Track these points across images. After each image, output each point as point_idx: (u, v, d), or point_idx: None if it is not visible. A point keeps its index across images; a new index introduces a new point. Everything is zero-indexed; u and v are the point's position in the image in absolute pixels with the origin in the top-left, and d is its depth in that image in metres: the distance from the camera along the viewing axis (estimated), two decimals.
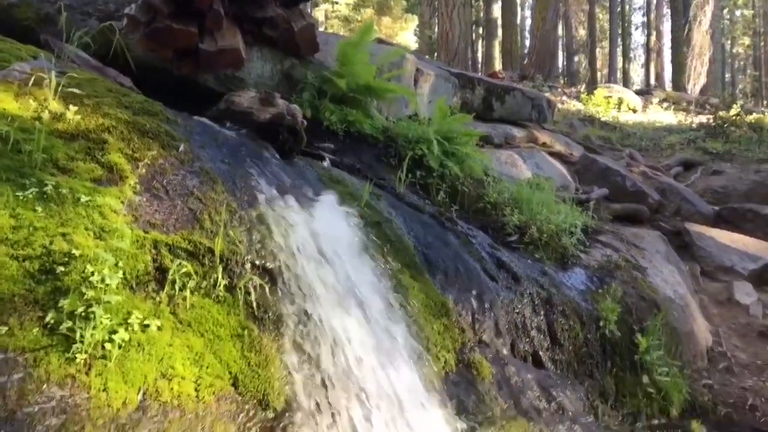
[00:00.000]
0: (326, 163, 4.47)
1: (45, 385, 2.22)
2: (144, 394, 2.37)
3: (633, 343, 4.35)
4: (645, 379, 4.26)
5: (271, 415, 2.59)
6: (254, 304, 2.84)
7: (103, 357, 2.37)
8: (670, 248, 6.70)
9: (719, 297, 7.10)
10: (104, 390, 2.30)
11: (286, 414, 2.61)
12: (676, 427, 4.13)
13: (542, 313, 4.03)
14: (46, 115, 3.04)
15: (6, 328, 2.30)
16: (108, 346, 2.38)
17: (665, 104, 20.23)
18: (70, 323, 2.37)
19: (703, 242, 7.93)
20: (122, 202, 2.82)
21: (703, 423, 4.17)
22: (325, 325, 2.90)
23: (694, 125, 15.90)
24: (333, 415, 2.67)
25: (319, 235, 3.18)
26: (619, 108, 18.02)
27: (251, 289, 2.85)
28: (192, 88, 4.97)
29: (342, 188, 3.93)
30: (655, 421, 4.20)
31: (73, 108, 3.11)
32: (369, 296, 3.13)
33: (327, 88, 5.50)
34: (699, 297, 6.72)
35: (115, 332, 2.41)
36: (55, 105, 3.14)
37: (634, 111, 18.78)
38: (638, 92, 22.11)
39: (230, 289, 2.83)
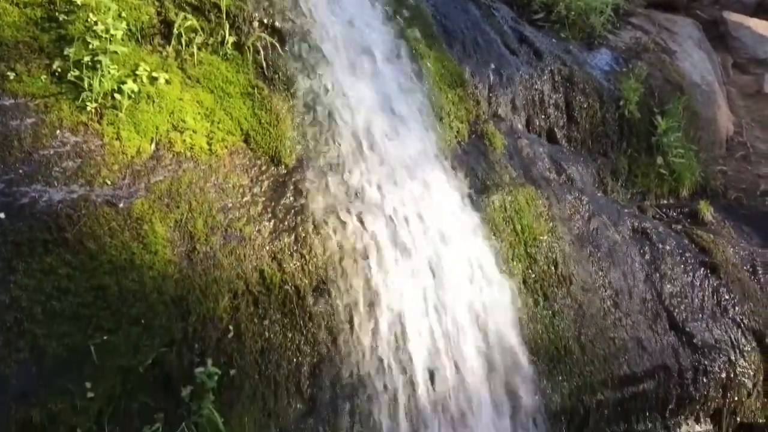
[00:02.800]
0: None
1: (58, 131, 2.26)
2: (157, 144, 2.41)
3: (652, 125, 4.28)
4: (659, 160, 4.26)
5: (283, 170, 2.64)
6: (264, 64, 2.77)
7: (114, 107, 2.37)
8: (704, 36, 6.34)
9: (748, 89, 6.85)
10: (117, 138, 2.34)
11: (298, 170, 2.66)
12: (684, 206, 4.21)
13: (561, 90, 3.93)
14: None
15: (14, 74, 2.29)
16: (118, 96, 2.37)
17: None
18: (77, 72, 2.34)
19: (739, 32, 7.48)
20: None
21: (711, 204, 4.23)
22: (337, 88, 2.85)
23: None
24: (342, 174, 2.72)
25: None
26: None
27: (260, 48, 2.77)
28: None
29: None
30: (664, 201, 4.28)
31: None
32: (382, 61, 3.03)
33: None
34: (727, 88, 6.49)
35: (123, 83, 2.39)
36: None
37: None
38: None
39: (238, 47, 2.75)
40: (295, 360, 2.42)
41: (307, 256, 2.52)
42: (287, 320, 2.45)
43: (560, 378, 2.95)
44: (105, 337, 1.98)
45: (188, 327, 2.18)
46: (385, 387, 2.50)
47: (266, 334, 2.39)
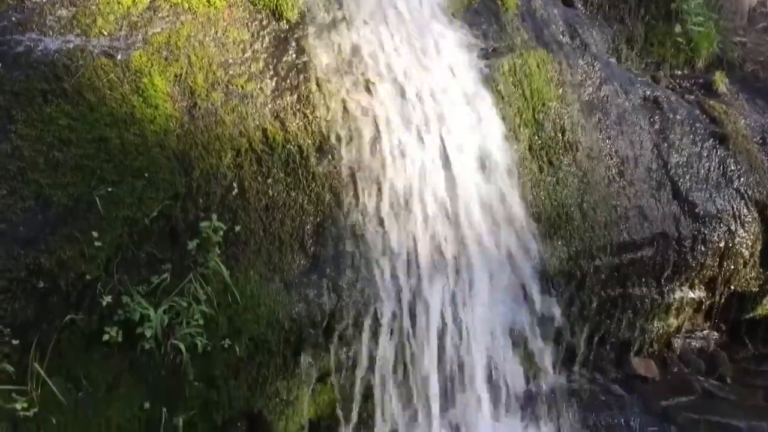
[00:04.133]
0: None
1: None
2: None
3: None
4: (677, 28, 4.08)
5: (284, 26, 2.55)
6: None
7: None
8: None
9: None
10: None
11: (300, 26, 2.56)
12: (699, 77, 4.09)
13: None
14: None
15: None
16: None
17: None
18: None
19: None
20: None
21: (726, 76, 4.11)
22: None
23: None
24: (347, 32, 2.62)
25: None
26: None
27: None
28: None
29: None
30: (678, 72, 4.15)
31: None
32: None
33: None
34: None
35: None
36: None
37: None
38: None
39: None
40: (298, 218, 2.45)
41: (310, 116, 2.48)
42: (290, 179, 2.45)
43: (560, 243, 3.00)
44: (109, 189, 1.99)
45: (192, 182, 2.18)
46: (387, 245, 2.55)
47: (270, 192, 2.40)
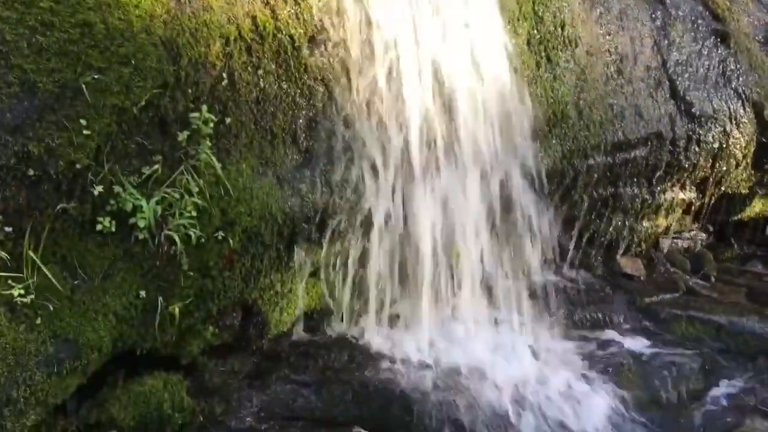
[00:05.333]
0: None
1: None
2: None
3: None
4: None
5: None
6: None
7: None
8: None
9: None
10: None
11: None
12: None
13: None
14: None
15: None
16: None
17: None
18: None
19: None
20: None
21: None
22: None
23: None
24: None
25: None
26: None
27: None
28: None
29: None
30: None
31: None
32: None
33: None
34: None
35: None
36: None
37: None
38: None
39: None
40: (291, 112, 2.41)
41: (301, 4, 2.39)
42: (282, 71, 2.39)
43: (554, 141, 2.99)
44: (96, 76, 1.92)
45: (180, 71, 2.12)
46: (380, 142, 2.52)
47: (261, 84, 2.35)
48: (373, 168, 2.52)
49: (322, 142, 2.47)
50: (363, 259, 2.64)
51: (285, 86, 2.40)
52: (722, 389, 2.80)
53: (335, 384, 2.50)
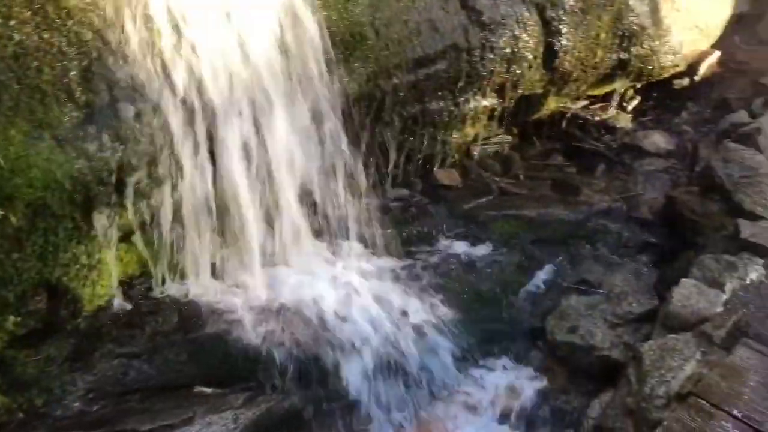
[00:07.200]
0: None
1: None
2: None
3: None
4: None
5: None
6: None
7: None
8: None
9: None
10: None
11: None
12: None
13: None
14: None
15: None
16: None
17: None
18: None
19: None
20: None
21: None
22: None
23: None
24: None
25: None
26: None
27: None
28: None
29: None
30: None
31: None
32: None
33: None
34: None
35: None
36: None
37: None
38: None
39: None
40: (59, 65, 2.14)
41: None
42: (39, 19, 2.10)
43: (357, 65, 2.95)
44: None
45: None
46: (171, 85, 2.33)
47: (15, 36, 2.05)
48: (168, 115, 2.33)
49: (104, 94, 2.22)
50: (177, 214, 2.48)
51: (46, 36, 2.11)
52: (540, 276, 3.04)
53: (168, 348, 2.38)
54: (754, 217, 2.74)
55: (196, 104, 2.36)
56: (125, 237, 2.46)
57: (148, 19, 2.28)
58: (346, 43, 2.89)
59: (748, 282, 2.43)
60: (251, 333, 2.40)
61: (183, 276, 2.55)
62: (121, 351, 2.37)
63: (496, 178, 3.67)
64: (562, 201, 3.49)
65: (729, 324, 2.21)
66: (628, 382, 2.19)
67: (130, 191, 2.33)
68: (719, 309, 2.30)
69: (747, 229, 2.65)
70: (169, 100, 2.34)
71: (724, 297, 2.35)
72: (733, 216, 2.79)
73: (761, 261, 2.52)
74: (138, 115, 2.26)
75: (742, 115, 3.66)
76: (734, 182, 2.93)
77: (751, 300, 2.35)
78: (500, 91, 3.59)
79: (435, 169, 3.59)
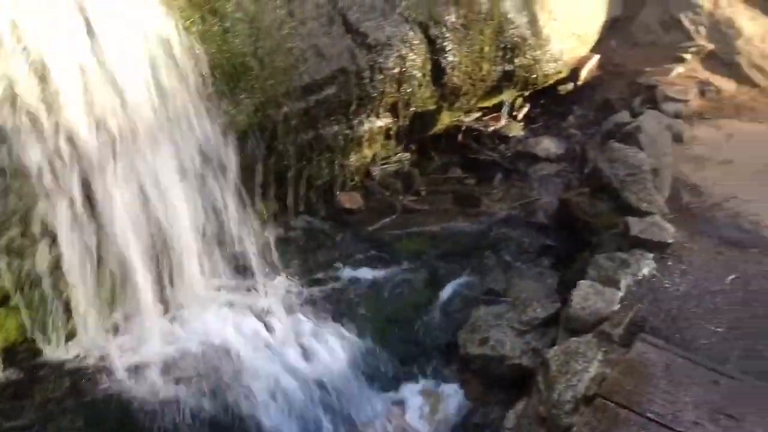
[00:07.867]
0: None
1: None
2: None
3: None
4: None
5: None
6: None
7: None
8: None
9: None
10: None
11: None
12: None
13: None
14: None
15: None
16: None
17: None
18: None
19: None
20: None
21: None
22: None
23: None
24: None
25: None
26: None
27: None
28: None
29: None
30: None
31: None
32: None
33: None
34: None
35: None
36: None
37: None
38: None
39: None
40: None
41: None
42: None
43: (242, 96, 2.88)
44: None
45: None
46: (39, 136, 2.19)
47: None
48: (38, 167, 2.18)
49: None
50: (58, 272, 2.32)
51: None
52: (448, 290, 3.04)
53: (61, 416, 2.22)
54: (641, 213, 2.85)
55: (67, 155, 2.21)
56: (3, 301, 2.28)
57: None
58: (228, 76, 2.82)
59: (641, 277, 2.52)
60: (150, 388, 2.27)
61: (71, 336, 2.39)
62: (10, 425, 2.18)
63: (399, 197, 3.67)
64: (463, 213, 3.54)
65: (626, 321, 2.28)
66: (538, 390, 2.21)
67: (2, 252, 2.16)
68: (616, 307, 2.36)
69: (636, 226, 2.75)
70: (39, 151, 2.19)
71: (620, 294, 2.42)
72: (622, 214, 2.89)
73: (651, 256, 2.62)
74: (3, 172, 2.10)
75: (624, 115, 3.81)
76: (620, 181, 3.05)
77: (645, 294, 2.44)
78: (393, 111, 3.61)
79: (337, 193, 3.55)
